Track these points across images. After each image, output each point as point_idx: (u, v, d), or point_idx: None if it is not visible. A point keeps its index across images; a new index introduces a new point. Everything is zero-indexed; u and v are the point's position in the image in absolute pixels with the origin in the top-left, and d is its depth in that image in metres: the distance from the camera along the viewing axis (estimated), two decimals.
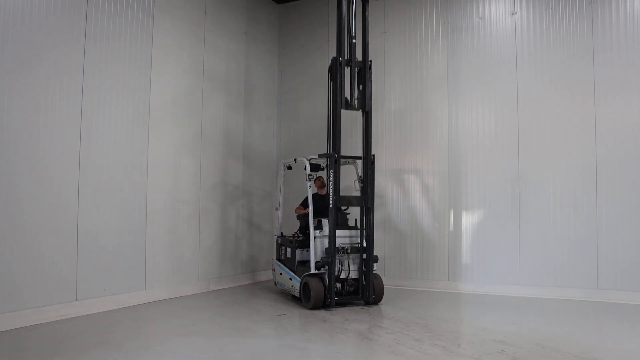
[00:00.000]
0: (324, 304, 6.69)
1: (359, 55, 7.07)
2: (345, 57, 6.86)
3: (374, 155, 7.08)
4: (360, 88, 6.96)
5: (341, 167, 7.05)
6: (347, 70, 7.03)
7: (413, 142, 8.86)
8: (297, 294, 7.11)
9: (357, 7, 7.02)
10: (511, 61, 8.14)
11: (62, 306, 6.02)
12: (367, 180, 6.94)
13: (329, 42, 9.48)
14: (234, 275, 8.97)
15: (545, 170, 7.83)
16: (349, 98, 6.88)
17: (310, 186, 7.27)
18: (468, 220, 8.35)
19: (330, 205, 6.77)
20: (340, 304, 6.90)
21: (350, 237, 7.03)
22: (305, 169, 7.38)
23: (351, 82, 6.91)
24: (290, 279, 7.38)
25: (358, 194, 7.19)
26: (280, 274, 7.82)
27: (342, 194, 7.02)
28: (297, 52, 10.31)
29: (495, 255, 8.07)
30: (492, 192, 8.16)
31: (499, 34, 8.26)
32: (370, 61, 7.08)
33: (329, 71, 7.03)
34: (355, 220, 7.33)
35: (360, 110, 6.97)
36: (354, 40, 6.85)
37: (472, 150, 8.36)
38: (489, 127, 8.27)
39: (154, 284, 7.29)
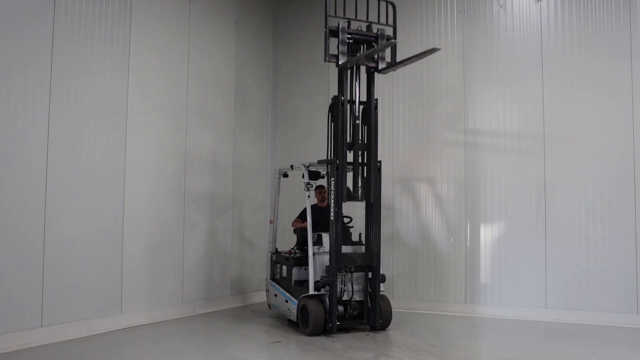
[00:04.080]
0: (324, 330, 6.67)
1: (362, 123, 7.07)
2: (348, 141, 6.92)
3: (380, 162, 7.08)
4: (365, 176, 7.00)
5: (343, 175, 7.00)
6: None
7: (424, 146, 8.85)
8: (294, 318, 7.10)
9: (361, 79, 7.12)
10: (536, 55, 8.09)
11: (25, 333, 5.93)
12: (373, 189, 6.92)
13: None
14: (222, 297, 8.95)
15: (575, 178, 7.78)
16: (351, 189, 6.97)
17: (308, 196, 7.26)
18: (487, 234, 8.31)
19: (332, 218, 6.75)
20: (343, 330, 6.86)
21: (354, 253, 7.00)
22: (303, 177, 7.37)
23: (354, 175, 6.94)
24: (286, 301, 7.37)
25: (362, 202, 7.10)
26: (275, 295, 7.79)
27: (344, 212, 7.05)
28: (294, 45, 10.31)
29: (518, 274, 8.02)
30: (515, 203, 8.12)
31: (523, 25, 8.22)
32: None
33: (329, 111, 7.10)
34: (360, 234, 7.30)
35: (365, 200, 7.00)
36: (357, 122, 6.94)
37: (491, 155, 8.34)
38: (511, 129, 8.24)
39: (131, 307, 7.24)
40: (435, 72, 8.85)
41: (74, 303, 6.49)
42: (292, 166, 7.83)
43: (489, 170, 8.34)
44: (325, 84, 8.90)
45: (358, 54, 6.98)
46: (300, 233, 7.65)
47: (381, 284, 6.95)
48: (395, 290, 8.75)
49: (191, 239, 8.35)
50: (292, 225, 8.06)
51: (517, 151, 8.17)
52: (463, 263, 8.43)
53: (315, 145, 9.16)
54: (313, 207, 7.46)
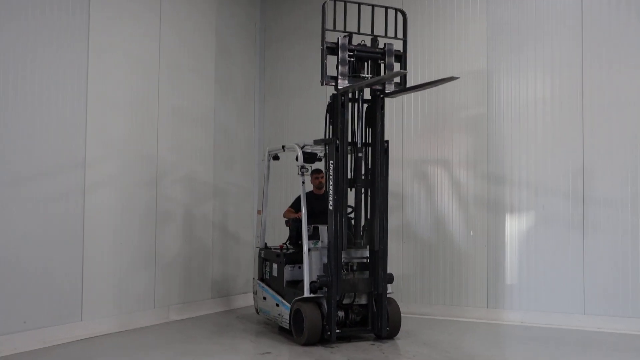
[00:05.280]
0: (321, 338, 6.69)
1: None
2: (349, 177, 7.01)
3: (387, 142, 7.10)
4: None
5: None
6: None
7: (440, 123, 8.86)
8: (286, 325, 7.14)
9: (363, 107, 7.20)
10: (575, 10, 8.03)
11: None
12: (378, 174, 6.93)
13: None
14: (202, 300, 9.00)
15: (620, 160, 7.73)
16: (351, 233, 7.01)
17: (303, 182, 7.29)
18: (514, 227, 8.30)
19: (330, 208, 6.76)
20: (344, 338, 6.89)
21: (357, 249, 7.02)
22: (296, 159, 7.38)
23: (356, 216, 6.98)
24: (277, 304, 7.41)
25: None
26: (264, 298, 7.82)
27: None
28: (286, 3, 10.32)
29: (551, 275, 8.02)
30: (547, 190, 8.09)
31: None
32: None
33: (326, 112, 7.15)
34: (363, 227, 7.19)
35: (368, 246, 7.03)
36: (359, 154, 7.01)
37: (519, 132, 8.32)
38: (543, 100, 8.19)
39: (94, 313, 7.23)
40: (454, 33, 8.83)
41: (23, 310, 6.43)
42: (283, 147, 7.81)
43: (516, 150, 8.31)
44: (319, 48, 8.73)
45: (362, 76, 7.04)
46: (294, 225, 7.66)
47: (388, 285, 6.95)
48: (405, 293, 8.80)
49: (165, 232, 8.34)
50: (284, 216, 8.07)
51: (551, 127, 8.13)
52: (485, 261, 8.43)
53: (311, 122, 9.18)
54: (308, 194, 7.50)
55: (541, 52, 8.22)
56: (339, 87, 6.85)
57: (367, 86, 6.94)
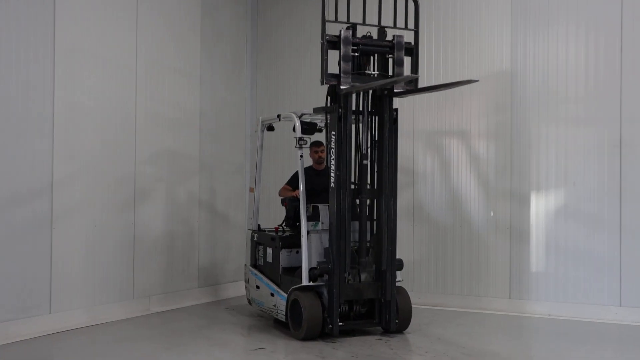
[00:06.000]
0: (322, 332, 6.71)
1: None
2: (352, 187, 7.01)
3: (396, 110, 7.02)
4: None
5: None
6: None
7: (456, 90, 8.54)
8: (282, 318, 7.15)
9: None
10: None
11: None
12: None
13: None
14: (186, 289, 9.03)
15: None
16: (355, 250, 7.00)
17: (301, 156, 7.26)
18: (540, 207, 8.27)
19: (332, 185, 6.73)
20: (347, 332, 6.88)
21: (362, 232, 7.00)
22: (294, 130, 7.33)
23: (360, 232, 6.92)
24: (272, 294, 7.41)
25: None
26: (257, 287, 7.82)
27: None
28: None
29: (583, 262, 8.00)
30: (579, 166, 8.07)
31: None
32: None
33: (327, 95, 7.09)
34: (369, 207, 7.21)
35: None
36: (365, 162, 6.94)
37: (547, 101, 8.24)
38: (575, 66, 8.11)
39: (64, 304, 7.22)
40: (474, 10, 8.81)
41: None
42: (279, 116, 7.77)
43: (543, 120, 8.25)
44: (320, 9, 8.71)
45: (367, 73, 6.90)
46: (291, 205, 7.61)
47: (398, 273, 6.96)
48: (417, 281, 8.85)
49: (145, 213, 8.34)
50: (280, 195, 8.01)
51: (584, 94, 8.07)
52: (507, 245, 8.42)
53: (309, 88, 9.16)
54: (307, 170, 7.50)
55: (574, 11, 8.08)
56: (342, 88, 6.71)
57: (373, 88, 6.83)
